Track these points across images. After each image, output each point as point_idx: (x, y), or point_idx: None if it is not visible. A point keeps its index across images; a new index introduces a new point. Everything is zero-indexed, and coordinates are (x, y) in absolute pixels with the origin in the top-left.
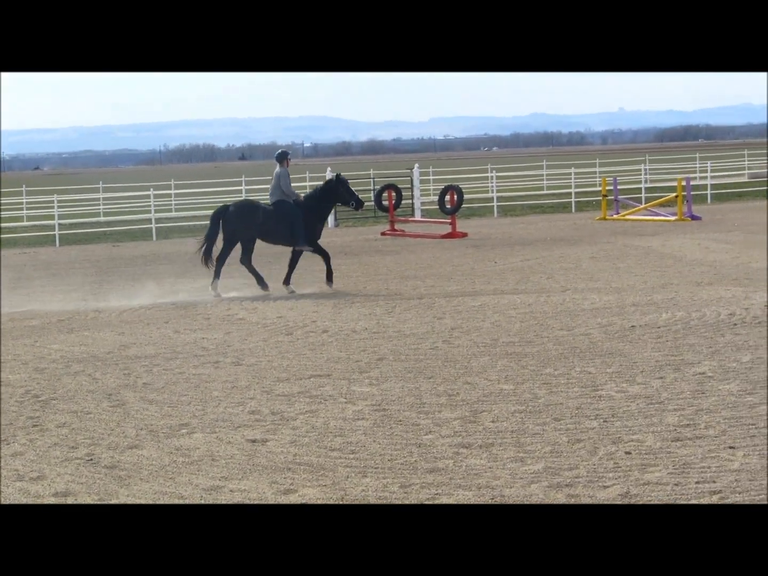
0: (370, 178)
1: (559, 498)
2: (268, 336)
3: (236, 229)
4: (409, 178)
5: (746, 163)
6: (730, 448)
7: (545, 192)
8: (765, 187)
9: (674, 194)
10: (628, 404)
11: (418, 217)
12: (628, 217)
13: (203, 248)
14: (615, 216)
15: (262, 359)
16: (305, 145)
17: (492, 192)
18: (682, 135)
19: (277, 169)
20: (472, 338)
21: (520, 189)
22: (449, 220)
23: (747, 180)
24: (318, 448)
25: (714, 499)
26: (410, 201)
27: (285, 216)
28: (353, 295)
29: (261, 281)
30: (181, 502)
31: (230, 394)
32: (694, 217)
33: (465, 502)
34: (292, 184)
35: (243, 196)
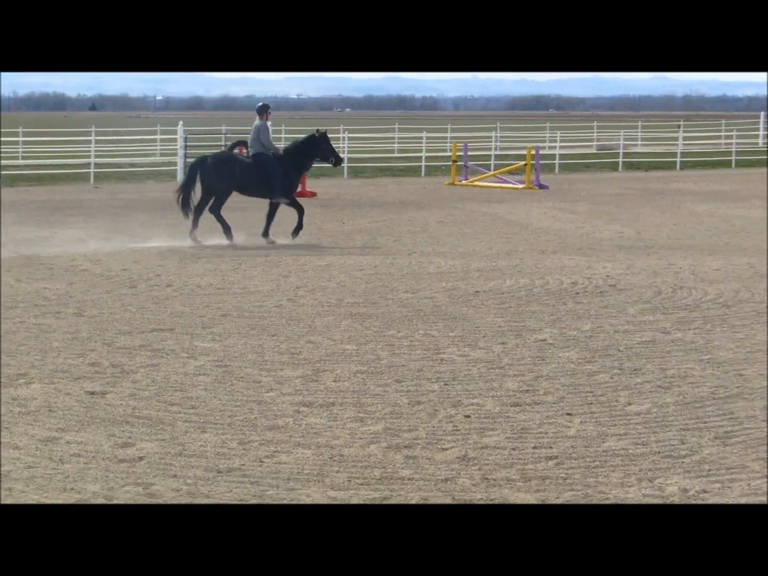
0: (222, 134)
1: (398, 459)
2: (112, 288)
3: (213, 180)
4: None
5: (595, 134)
6: (568, 414)
7: (396, 155)
8: (611, 159)
9: (523, 162)
10: (469, 368)
11: None
12: (476, 183)
13: (180, 197)
14: (464, 182)
15: (105, 311)
16: (157, 98)
17: (343, 153)
18: (534, 104)
19: (257, 121)
20: (317, 297)
21: (371, 151)
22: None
23: (595, 151)
24: (158, 402)
25: (550, 465)
26: None
27: (263, 169)
28: (199, 250)
29: (227, 231)
30: (16, 452)
31: (70, 346)
32: (541, 186)
33: (305, 460)
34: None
35: (92, 148)
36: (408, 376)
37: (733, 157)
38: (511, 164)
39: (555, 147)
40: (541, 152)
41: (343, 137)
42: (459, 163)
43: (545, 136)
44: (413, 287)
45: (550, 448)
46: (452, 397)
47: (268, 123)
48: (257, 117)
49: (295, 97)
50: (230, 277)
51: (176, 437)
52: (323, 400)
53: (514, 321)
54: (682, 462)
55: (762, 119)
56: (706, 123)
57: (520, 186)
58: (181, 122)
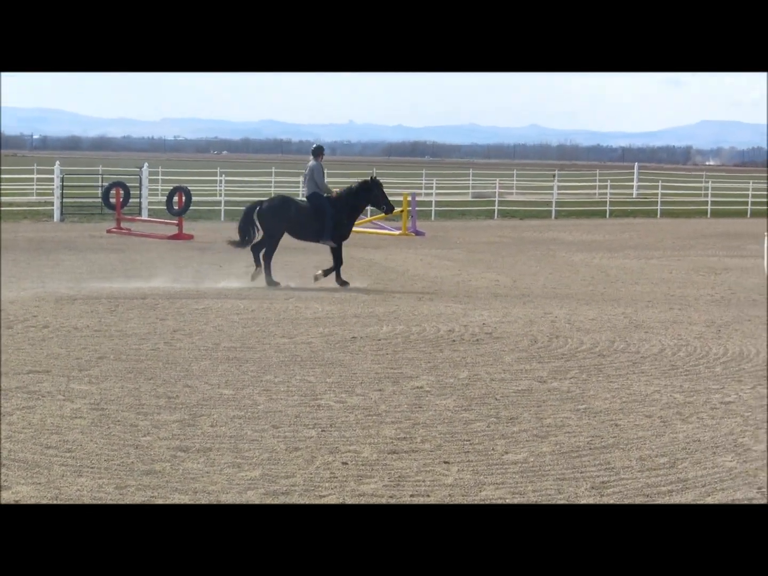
0: (98, 174)
1: (277, 501)
2: None
3: (269, 223)
4: (137, 176)
5: (471, 182)
6: (445, 462)
7: None
8: (487, 207)
9: (400, 209)
10: (346, 415)
11: (145, 216)
12: (354, 228)
13: (240, 241)
14: None
15: None
16: (34, 137)
17: (221, 195)
18: (410, 150)
19: (312, 162)
20: (194, 341)
21: (248, 194)
22: (176, 222)
23: (471, 199)
24: (34, 445)
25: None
26: (138, 200)
27: (317, 211)
28: (76, 292)
29: (257, 271)
30: None
31: None
32: (418, 233)
33: (183, 505)
34: None
35: None
36: (285, 421)
37: (608, 207)
38: None
39: (431, 194)
40: (417, 199)
41: (221, 179)
42: None
43: (421, 183)
44: (290, 332)
45: (428, 496)
46: (330, 443)
47: (322, 164)
48: (312, 158)
49: (173, 138)
50: (107, 319)
51: (52, 481)
52: (200, 445)
53: (391, 368)
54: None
55: (636, 170)
56: (581, 173)
57: (397, 232)
58: (57, 162)
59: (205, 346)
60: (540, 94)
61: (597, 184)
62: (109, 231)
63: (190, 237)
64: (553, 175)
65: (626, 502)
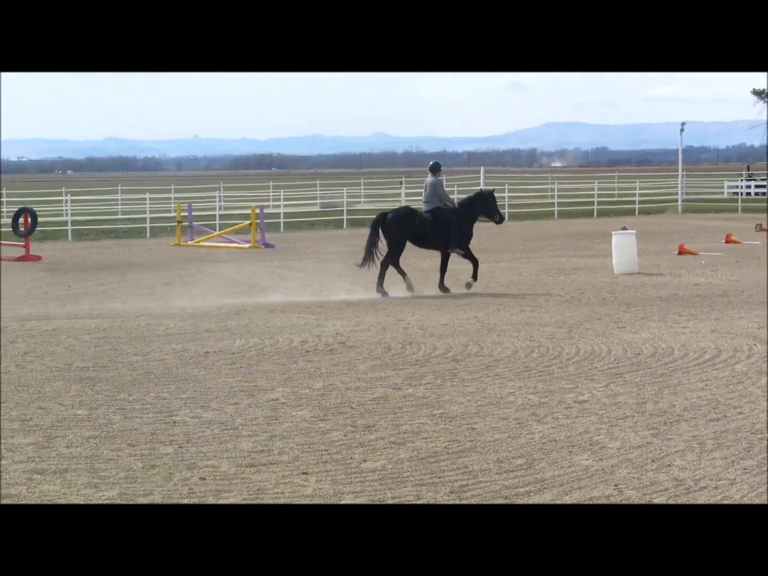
0: None
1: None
2: None
3: (394, 233)
4: None
5: (318, 192)
6: (304, 473)
7: (120, 216)
8: (335, 217)
9: (248, 222)
10: (202, 430)
11: None
12: (202, 243)
13: (365, 256)
14: (190, 242)
15: None
16: None
17: (66, 215)
18: (257, 163)
19: (430, 178)
20: (46, 363)
21: (94, 213)
22: (23, 243)
23: (319, 209)
24: None
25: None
26: None
27: (442, 222)
28: None
29: (380, 283)
30: None
31: None
32: (267, 245)
33: None
34: None
35: None
36: (141, 439)
37: None
38: (235, 224)
39: (279, 206)
40: (265, 211)
41: (66, 199)
42: (184, 223)
43: (269, 195)
44: (143, 350)
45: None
46: (187, 459)
47: (442, 178)
48: (429, 174)
49: (16, 159)
50: None
51: None
52: (56, 467)
53: (246, 381)
54: None
55: (482, 174)
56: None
57: (246, 245)
58: None
59: (57, 366)
60: (384, 102)
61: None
62: None
63: (37, 258)
64: (400, 182)
65: (486, 504)
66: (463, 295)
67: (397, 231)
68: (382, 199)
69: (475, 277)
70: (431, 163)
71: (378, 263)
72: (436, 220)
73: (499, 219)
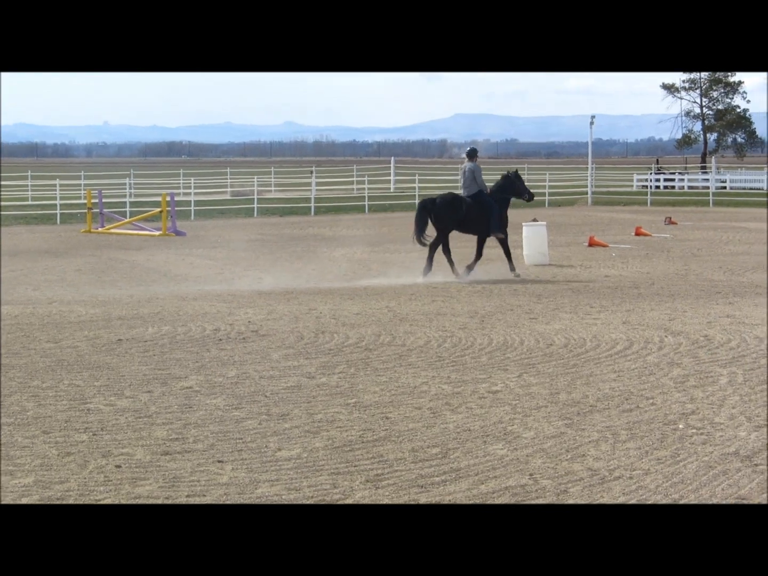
0: None
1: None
2: None
3: (441, 218)
4: None
5: (229, 180)
6: (219, 462)
7: (30, 203)
8: (246, 205)
9: (159, 209)
10: (117, 418)
11: None
12: (113, 230)
13: (416, 234)
14: (100, 229)
15: None
16: None
17: None
18: (167, 151)
19: (468, 164)
20: None
21: (5, 198)
22: None
23: (230, 198)
24: None
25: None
26: None
27: (486, 207)
28: None
29: (428, 266)
30: None
31: None
32: (178, 233)
33: None
34: None
35: None
36: (55, 427)
37: (366, 202)
38: (146, 211)
39: (189, 193)
40: (176, 199)
41: None
42: (94, 210)
43: (179, 183)
44: (55, 337)
45: (204, 496)
46: (102, 447)
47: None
48: (467, 159)
49: None
50: None
51: None
52: None
53: (159, 369)
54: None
55: (392, 164)
56: (338, 168)
57: (157, 233)
58: None
59: None
60: (294, 92)
61: (355, 179)
62: None
63: None
64: (311, 172)
65: (401, 493)
66: (374, 286)
67: (446, 216)
68: (292, 188)
69: (512, 267)
70: (468, 149)
71: (425, 246)
72: (479, 205)
73: (529, 197)
